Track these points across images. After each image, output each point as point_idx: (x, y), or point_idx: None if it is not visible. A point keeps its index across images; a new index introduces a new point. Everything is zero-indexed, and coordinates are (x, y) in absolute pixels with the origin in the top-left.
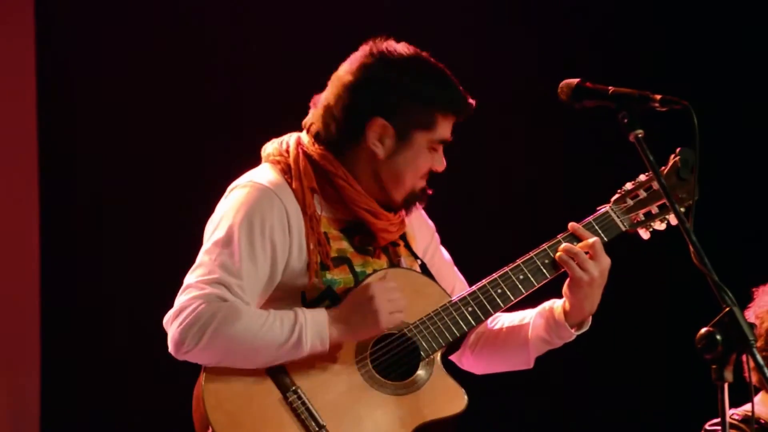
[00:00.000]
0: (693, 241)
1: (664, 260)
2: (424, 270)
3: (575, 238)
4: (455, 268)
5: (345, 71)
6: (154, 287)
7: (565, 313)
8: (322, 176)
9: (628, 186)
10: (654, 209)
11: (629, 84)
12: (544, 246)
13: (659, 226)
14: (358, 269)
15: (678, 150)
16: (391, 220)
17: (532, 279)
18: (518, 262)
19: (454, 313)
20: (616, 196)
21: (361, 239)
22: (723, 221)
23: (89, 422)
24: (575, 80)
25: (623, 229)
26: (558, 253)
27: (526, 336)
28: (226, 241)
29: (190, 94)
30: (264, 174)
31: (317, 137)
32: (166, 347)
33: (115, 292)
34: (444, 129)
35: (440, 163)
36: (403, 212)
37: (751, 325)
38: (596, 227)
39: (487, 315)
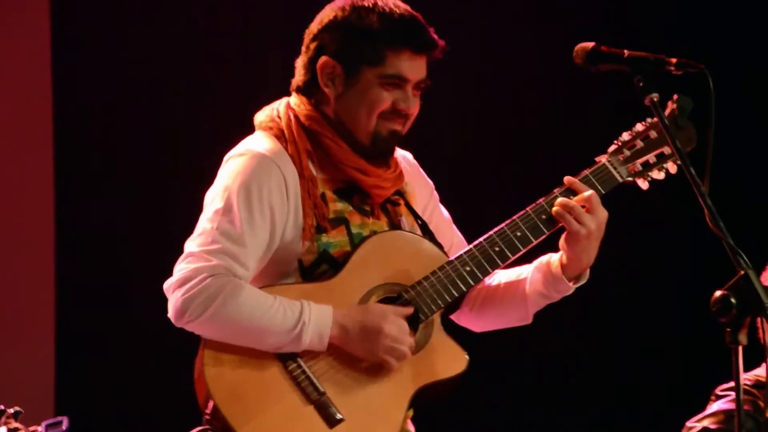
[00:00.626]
0: (708, 204)
1: (679, 222)
2: (425, 229)
3: (572, 191)
4: (454, 226)
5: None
6: (169, 260)
7: (563, 266)
8: (312, 138)
9: (625, 136)
10: (652, 158)
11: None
12: (541, 201)
13: (658, 175)
14: (354, 230)
15: (675, 97)
16: (382, 176)
17: (529, 235)
18: (515, 218)
19: (452, 274)
20: (613, 147)
21: (359, 198)
22: (738, 183)
23: (104, 393)
24: (590, 44)
25: (620, 180)
26: (554, 208)
27: (523, 291)
28: (227, 209)
29: (203, 84)
30: (259, 141)
31: (298, 90)
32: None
33: (131, 265)
34: (396, 65)
35: (405, 101)
36: (400, 166)
37: (766, 289)
38: (593, 180)
39: (486, 274)
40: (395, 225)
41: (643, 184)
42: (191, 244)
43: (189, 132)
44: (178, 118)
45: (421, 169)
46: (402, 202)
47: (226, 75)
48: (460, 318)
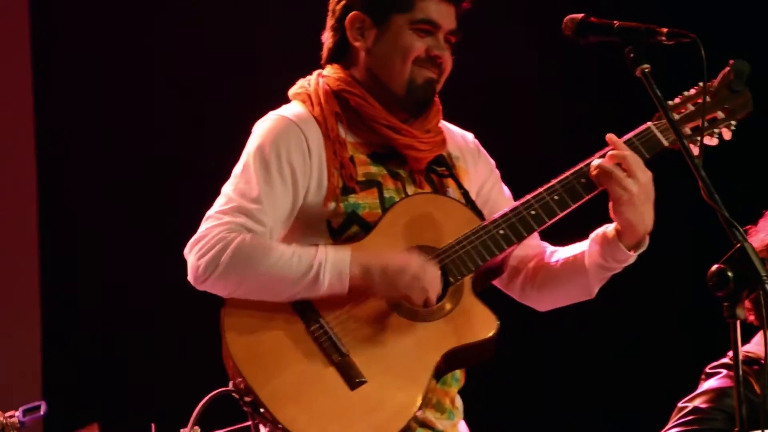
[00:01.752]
0: (702, 176)
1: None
2: (467, 198)
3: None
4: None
5: None
6: (152, 249)
7: (618, 234)
8: (342, 100)
9: (676, 100)
10: (704, 123)
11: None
12: (581, 165)
13: (710, 141)
14: (387, 195)
15: (731, 62)
16: (418, 137)
17: (567, 199)
18: (553, 182)
19: (485, 236)
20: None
21: (397, 163)
22: (734, 155)
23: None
24: (580, 15)
25: (665, 144)
26: (593, 171)
27: (583, 265)
28: (244, 170)
29: (188, 86)
30: (286, 107)
31: (328, 59)
32: (167, 293)
33: (116, 245)
34: (426, 9)
35: (438, 48)
36: (444, 134)
37: (763, 261)
38: (636, 143)
39: (521, 238)
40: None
41: (693, 150)
42: (211, 209)
43: (173, 135)
44: (161, 119)
45: (482, 149)
46: (447, 172)
47: (213, 79)
48: (524, 298)
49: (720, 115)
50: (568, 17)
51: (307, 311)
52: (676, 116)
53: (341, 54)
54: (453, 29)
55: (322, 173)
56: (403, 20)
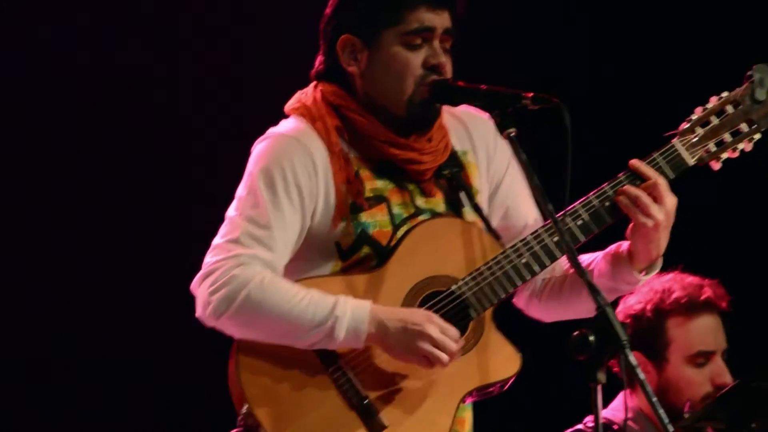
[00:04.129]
0: (566, 242)
1: None
2: (478, 210)
3: (638, 176)
4: (531, 202)
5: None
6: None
7: (631, 257)
8: (340, 114)
9: (698, 112)
10: (727, 137)
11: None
12: (605, 186)
13: (732, 154)
14: (395, 210)
15: (754, 67)
16: (420, 149)
17: (591, 225)
18: (576, 205)
19: (507, 267)
20: (684, 125)
21: (402, 175)
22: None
23: None
24: (446, 78)
25: (690, 163)
26: (619, 197)
27: None
28: (249, 194)
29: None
30: (284, 124)
31: (319, 77)
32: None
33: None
34: (418, 18)
35: (435, 56)
36: (447, 137)
37: (624, 325)
38: (661, 163)
39: (543, 267)
40: (452, 203)
41: (716, 165)
42: (217, 237)
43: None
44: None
45: (498, 135)
46: (455, 178)
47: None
48: (529, 310)
49: (743, 127)
50: (436, 82)
51: (326, 352)
52: (701, 131)
53: (335, 76)
54: (448, 28)
55: (329, 191)
56: (394, 35)
